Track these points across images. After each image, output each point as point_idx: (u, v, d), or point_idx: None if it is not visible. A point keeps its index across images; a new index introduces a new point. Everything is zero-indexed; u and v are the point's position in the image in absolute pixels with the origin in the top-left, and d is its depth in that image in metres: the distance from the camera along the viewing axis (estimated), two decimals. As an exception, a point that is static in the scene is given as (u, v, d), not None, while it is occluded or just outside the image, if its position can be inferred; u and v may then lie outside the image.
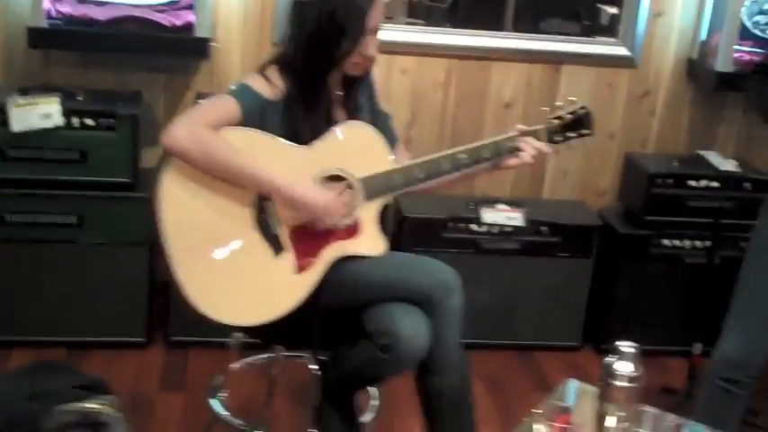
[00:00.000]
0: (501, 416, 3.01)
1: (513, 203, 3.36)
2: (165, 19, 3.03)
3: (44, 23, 2.97)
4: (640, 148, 3.61)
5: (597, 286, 3.41)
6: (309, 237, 2.17)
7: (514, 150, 2.28)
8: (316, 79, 2.18)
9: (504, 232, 3.29)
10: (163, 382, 3.06)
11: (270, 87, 2.16)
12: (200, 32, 3.06)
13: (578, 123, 2.32)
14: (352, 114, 2.27)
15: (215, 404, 2.64)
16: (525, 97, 3.48)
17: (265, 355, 2.82)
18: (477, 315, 3.31)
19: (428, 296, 2.15)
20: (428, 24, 3.56)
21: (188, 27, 3.04)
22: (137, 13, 3.01)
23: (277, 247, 2.15)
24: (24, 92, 2.98)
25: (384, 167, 2.21)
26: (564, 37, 3.52)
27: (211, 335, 2.61)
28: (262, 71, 2.19)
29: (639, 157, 3.50)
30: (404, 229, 3.26)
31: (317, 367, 2.37)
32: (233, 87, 2.18)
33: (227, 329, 2.46)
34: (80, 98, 3.05)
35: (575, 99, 2.34)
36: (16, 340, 3.09)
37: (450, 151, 2.25)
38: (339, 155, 2.19)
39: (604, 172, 3.63)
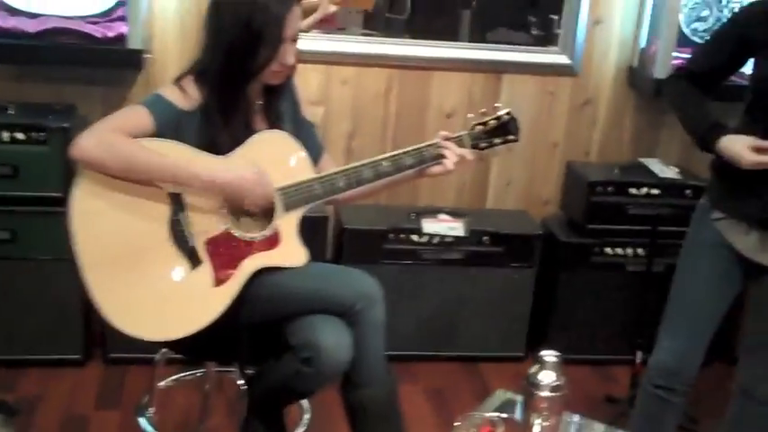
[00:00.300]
0: (444, 429, 2.97)
1: (455, 214, 3.34)
2: (97, 30, 2.98)
3: (-27, 37, 2.91)
4: (583, 157, 3.60)
5: (540, 296, 3.39)
6: (227, 248, 2.12)
7: (438, 158, 2.25)
8: (234, 89, 2.14)
9: (445, 243, 3.26)
10: (99, 401, 3.00)
11: (185, 97, 2.12)
12: (132, 44, 3.01)
13: (502, 129, 2.29)
14: (273, 124, 2.23)
15: (143, 422, 2.60)
16: (467, 107, 3.44)
17: (195, 371, 2.78)
18: (420, 327, 3.30)
19: (349, 307, 2.11)
20: (387, 36, 3.53)
21: (120, 39, 2.99)
22: (68, 24, 2.95)
23: (194, 260, 2.10)
24: (-47, 106, 2.92)
25: (303, 177, 2.18)
26: (504, 46, 3.49)
27: (151, 351, 2.57)
28: (178, 81, 2.15)
29: (580, 165, 3.49)
30: (344, 241, 3.22)
31: (243, 382, 2.33)
32: (146, 98, 2.14)
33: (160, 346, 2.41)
34: (11, 112, 3.00)
35: (500, 105, 2.32)
36: (-52, 360, 3.02)
37: (371, 159, 2.21)
38: (257, 165, 2.14)
39: (547, 181, 3.61)
